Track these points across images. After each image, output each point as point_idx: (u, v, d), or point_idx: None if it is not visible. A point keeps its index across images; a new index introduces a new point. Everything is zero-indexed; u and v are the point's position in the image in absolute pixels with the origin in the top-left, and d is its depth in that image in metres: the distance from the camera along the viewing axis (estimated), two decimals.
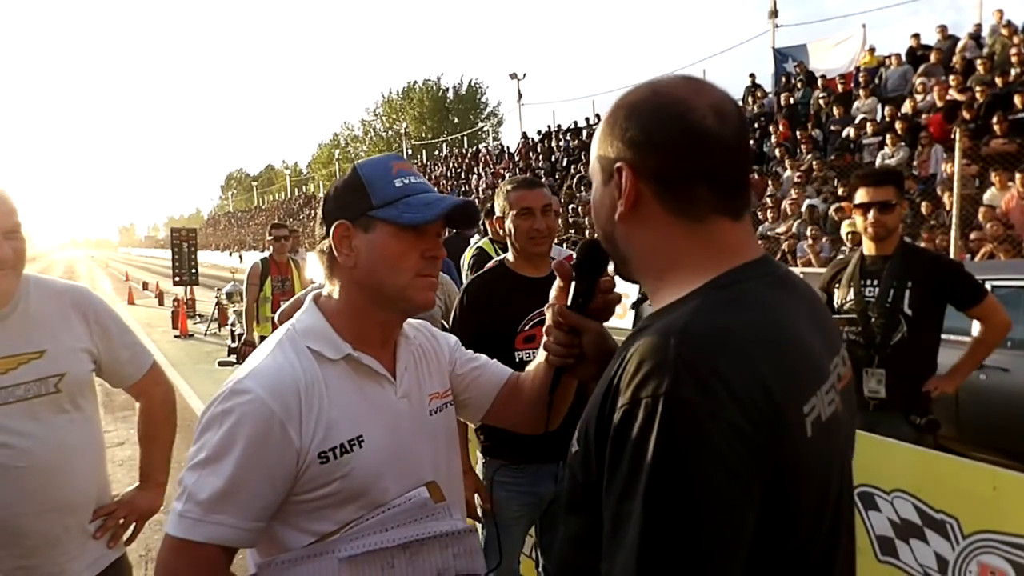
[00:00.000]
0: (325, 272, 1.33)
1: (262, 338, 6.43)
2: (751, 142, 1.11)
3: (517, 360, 2.47)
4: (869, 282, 3.05)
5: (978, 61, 12.12)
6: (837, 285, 3.18)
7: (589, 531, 0.89)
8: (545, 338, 1.26)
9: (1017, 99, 10.26)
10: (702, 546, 0.76)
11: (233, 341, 10.44)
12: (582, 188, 19.89)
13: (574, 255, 1.22)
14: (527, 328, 2.49)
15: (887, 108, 12.57)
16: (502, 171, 25.54)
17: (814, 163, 12.44)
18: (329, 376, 1.23)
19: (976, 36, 13.50)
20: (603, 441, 0.83)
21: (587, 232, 16.78)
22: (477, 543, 1.32)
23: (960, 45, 13.30)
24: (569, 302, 1.22)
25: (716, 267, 0.91)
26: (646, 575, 0.77)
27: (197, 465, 1.15)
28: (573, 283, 1.21)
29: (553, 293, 1.30)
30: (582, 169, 21.23)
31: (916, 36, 14.18)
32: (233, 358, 9.64)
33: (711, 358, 0.78)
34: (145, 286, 27.10)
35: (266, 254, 6.56)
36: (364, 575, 1.18)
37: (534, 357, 2.46)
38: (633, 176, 0.93)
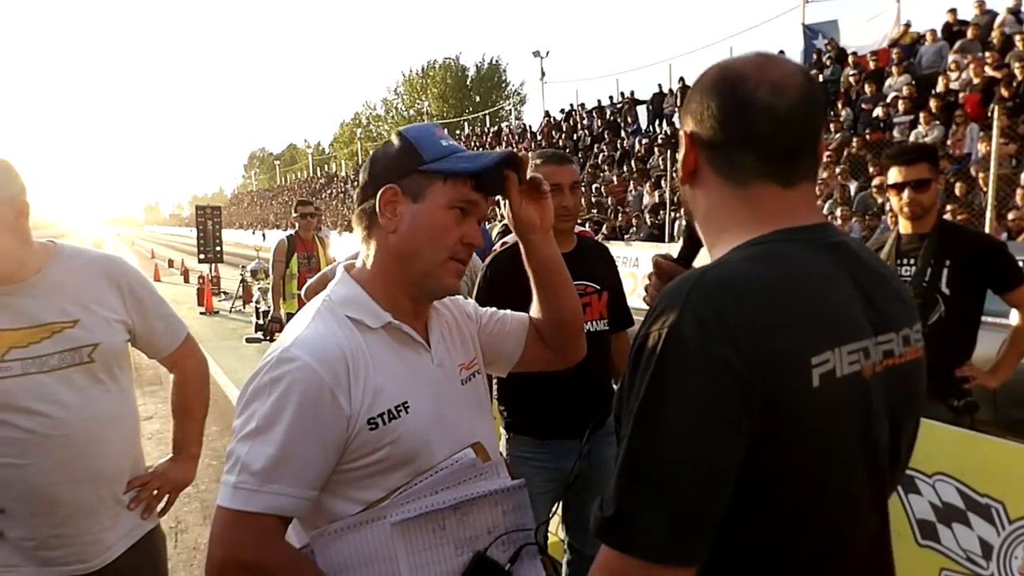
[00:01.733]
0: (362, 235, 1.32)
1: (288, 315, 6.46)
2: (820, 117, 1.16)
3: None
4: (906, 261, 2.97)
5: (1017, 37, 11.73)
6: None
7: None
8: (645, 282, 1.36)
9: None
10: (677, 469, 0.82)
11: (258, 318, 10.53)
12: (605, 168, 19.71)
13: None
14: None
15: (921, 86, 12.23)
16: (524, 150, 25.37)
17: (854, 140, 12.14)
18: (371, 344, 1.23)
19: (1015, 11, 13.05)
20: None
21: (610, 212, 16.67)
22: (526, 499, 1.33)
23: (999, 20, 12.88)
24: (675, 256, 1.34)
25: (759, 229, 0.96)
26: (624, 490, 0.84)
27: (248, 435, 1.14)
28: (681, 240, 1.34)
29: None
30: (605, 148, 21.02)
31: (952, 11, 13.77)
32: (260, 335, 9.73)
33: (716, 301, 0.86)
34: (171, 263, 27.44)
35: (291, 231, 6.60)
36: (416, 538, 1.19)
37: None
38: (690, 143, 1.03)
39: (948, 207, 8.84)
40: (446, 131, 1.36)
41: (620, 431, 0.94)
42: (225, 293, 16.10)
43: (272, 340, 6.66)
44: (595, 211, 16.94)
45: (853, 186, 11.20)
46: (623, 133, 21.49)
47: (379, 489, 1.22)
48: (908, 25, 15.00)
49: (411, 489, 1.21)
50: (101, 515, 1.77)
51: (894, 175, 2.94)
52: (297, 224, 6.51)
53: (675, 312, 0.85)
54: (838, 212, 10.25)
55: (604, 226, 15.24)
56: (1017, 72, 10.61)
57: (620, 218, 15.66)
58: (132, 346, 1.89)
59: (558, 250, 1.47)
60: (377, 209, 1.26)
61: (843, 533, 0.93)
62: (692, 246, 1.31)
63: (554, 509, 1.98)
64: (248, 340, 9.95)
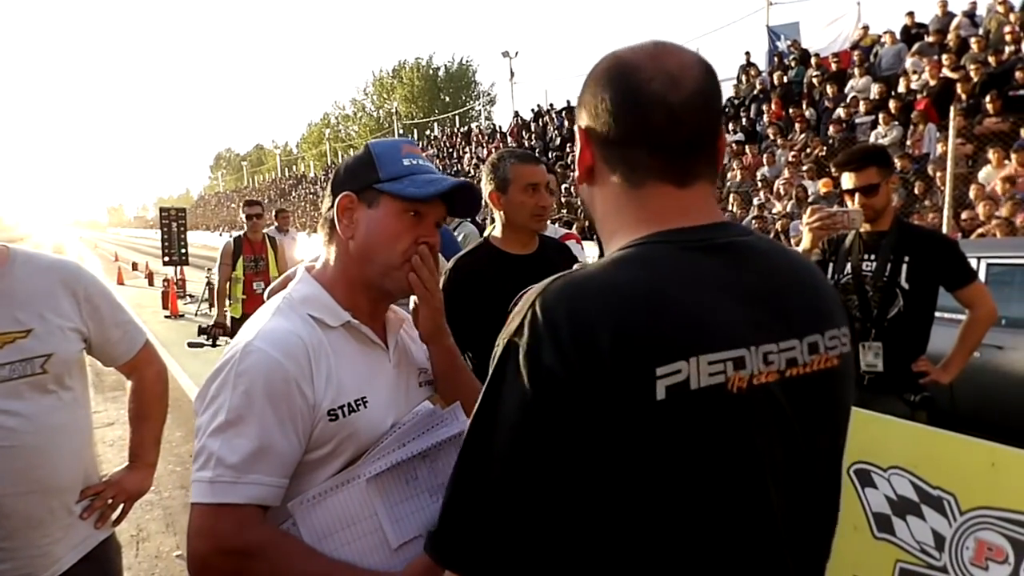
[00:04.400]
0: (324, 239, 1.36)
1: (233, 319, 6.15)
2: (717, 112, 0.93)
3: None
4: (868, 256, 3.05)
5: (972, 39, 12.05)
6: (834, 258, 3.17)
7: None
8: None
9: (1019, 74, 10.18)
10: (500, 486, 0.78)
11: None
12: (574, 168, 19.79)
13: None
14: None
15: (880, 87, 12.50)
16: (494, 150, 25.34)
17: (811, 140, 12.36)
18: (332, 341, 1.26)
19: (971, 14, 13.41)
20: None
21: (580, 211, 16.74)
22: None
23: (955, 23, 13.21)
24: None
25: (643, 231, 0.90)
26: (452, 507, 0.82)
27: (218, 429, 1.14)
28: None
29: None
30: (576, 149, 21.09)
31: (911, 14, 14.10)
32: (203, 338, 9.09)
33: (555, 307, 0.80)
34: (135, 267, 26.88)
35: (240, 233, 6.37)
36: (391, 492, 1.22)
37: None
38: (585, 140, 0.95)
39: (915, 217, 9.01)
40: (416, 144, 1.37)
41: None
42: (191, 296, 15.82)
43: (215, 344, 6.29)
44: (565, 211, 17.01)
45: (816, 185, 11.38)
46: None
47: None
48: (867, 28, 15.32)
49: (379, 447, 1.24)
50: (50, 527, 1.72)
51: (845, 181, 3.03)
52: (246, 225, 6.28)
53: (517, 320, 0.82)
54: (804, 212, 10.39)
55: (574, 226, 15.30)
56: (972, 74, 10.89)
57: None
58: (87, 354, 1.84)
59: (453, 362, 1.44)
60: (335, 215, 1.30)
61: (752, 561, 0.83)
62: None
63: None
64: (190, 344, 9.20)
